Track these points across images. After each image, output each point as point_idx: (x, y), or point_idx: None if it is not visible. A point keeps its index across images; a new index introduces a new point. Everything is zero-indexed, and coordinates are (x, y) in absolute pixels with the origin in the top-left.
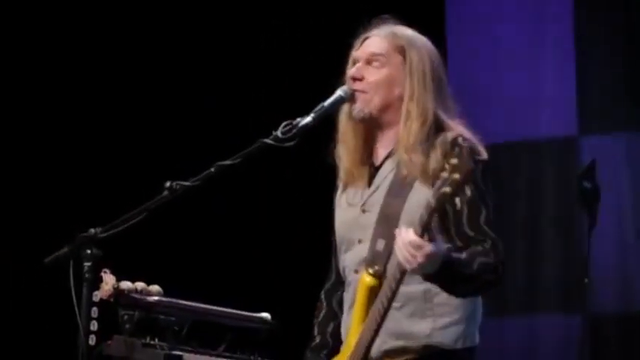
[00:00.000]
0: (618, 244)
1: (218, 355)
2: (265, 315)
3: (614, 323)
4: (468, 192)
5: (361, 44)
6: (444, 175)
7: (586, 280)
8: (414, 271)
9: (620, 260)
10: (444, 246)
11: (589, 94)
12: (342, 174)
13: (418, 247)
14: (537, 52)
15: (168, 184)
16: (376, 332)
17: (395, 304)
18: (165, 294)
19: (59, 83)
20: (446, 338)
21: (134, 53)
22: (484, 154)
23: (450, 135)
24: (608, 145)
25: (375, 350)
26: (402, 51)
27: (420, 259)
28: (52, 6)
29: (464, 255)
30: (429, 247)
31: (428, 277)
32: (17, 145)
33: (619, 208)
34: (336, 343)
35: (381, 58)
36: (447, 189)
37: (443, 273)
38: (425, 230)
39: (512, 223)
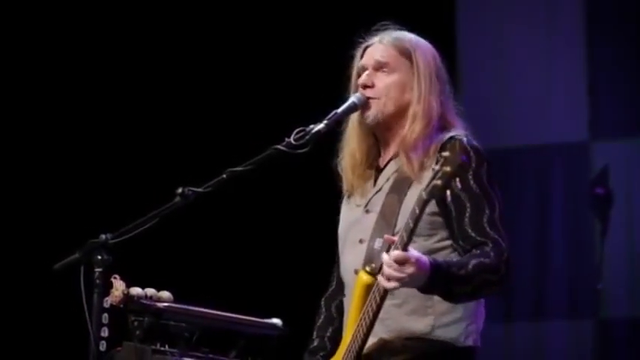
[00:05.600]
0: (629, 250)
1: None
2: (276, 321)
3: (624, 328)
4: (472, 190)
5: (365, 53)
6: (436, 167)
7: (599, 286)
8: (407, 285)
9: (631, 265)
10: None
11: (600, 100)
12: (345, 183)
13: (404, 260)
14: (549, 58)
15: (180, 190)
16: (368, 331)
17: (395, 301)
18: (176, 300)
19: (72, 92)
20: (447, 335)
21: (145, 59)
22: (483, 153)
23: (448, 133)
24: (620, 150)
25: (375, 348)
26: (408, 55)
27: (409, 270)
28: (64, 18)
29: (457, 257)
30: (413, 256)
31: (424, 288)
32: (27, 151)
33: (630, 213)
34: (334, 347)
35: (390, 64)
36: (438, 182)
37: (436, 276)
38: (411, 236)
39: (522, 229)
